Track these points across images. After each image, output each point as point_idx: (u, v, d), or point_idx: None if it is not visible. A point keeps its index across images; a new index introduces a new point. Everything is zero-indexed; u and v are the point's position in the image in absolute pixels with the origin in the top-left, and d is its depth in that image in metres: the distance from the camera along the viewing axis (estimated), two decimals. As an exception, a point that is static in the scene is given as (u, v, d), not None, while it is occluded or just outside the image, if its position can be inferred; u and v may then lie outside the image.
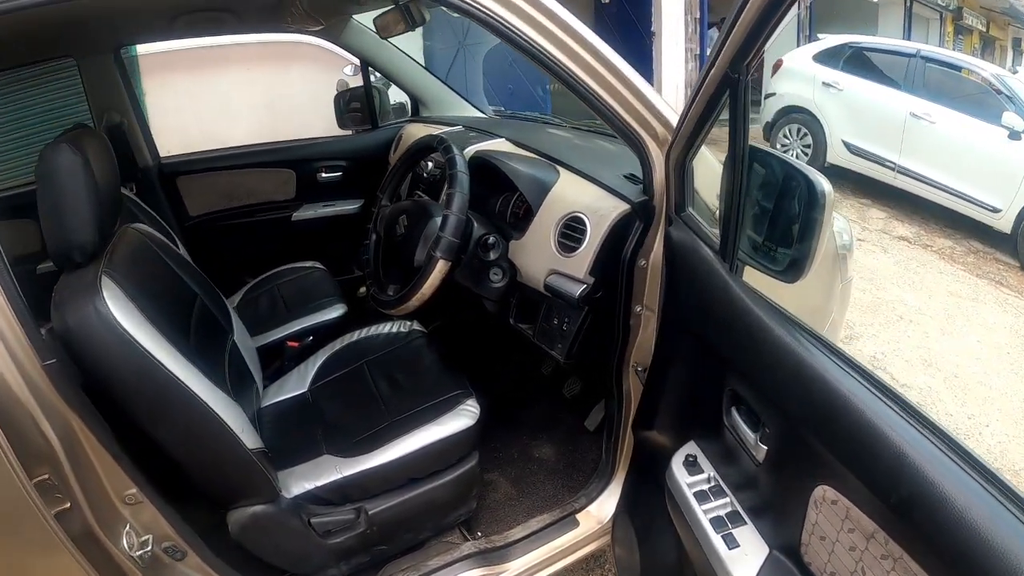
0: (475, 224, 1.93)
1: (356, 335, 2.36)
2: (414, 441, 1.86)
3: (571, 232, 1.80)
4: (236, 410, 1.70)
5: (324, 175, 3.32)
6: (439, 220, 1.85)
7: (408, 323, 2.35)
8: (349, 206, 3.40)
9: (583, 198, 1.82)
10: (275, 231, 3.35)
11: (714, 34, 11.57)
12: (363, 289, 2.73)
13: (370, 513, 1.85)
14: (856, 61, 7.93)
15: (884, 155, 7.40)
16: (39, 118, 3.23)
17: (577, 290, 1.76)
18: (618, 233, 1.70)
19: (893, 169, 7.32)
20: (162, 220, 2.72)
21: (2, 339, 1.22)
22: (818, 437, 1.09)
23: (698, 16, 9.70)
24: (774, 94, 8.50)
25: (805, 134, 8.18)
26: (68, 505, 1.34)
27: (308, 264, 3.03)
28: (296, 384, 2.23)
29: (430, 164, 2.54)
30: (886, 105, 7.45)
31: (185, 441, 1.57)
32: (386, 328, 2.35)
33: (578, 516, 2.09)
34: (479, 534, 2.13)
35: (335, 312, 2.65)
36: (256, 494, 1.72)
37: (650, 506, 1.79)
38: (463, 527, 2.15)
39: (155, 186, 3.09)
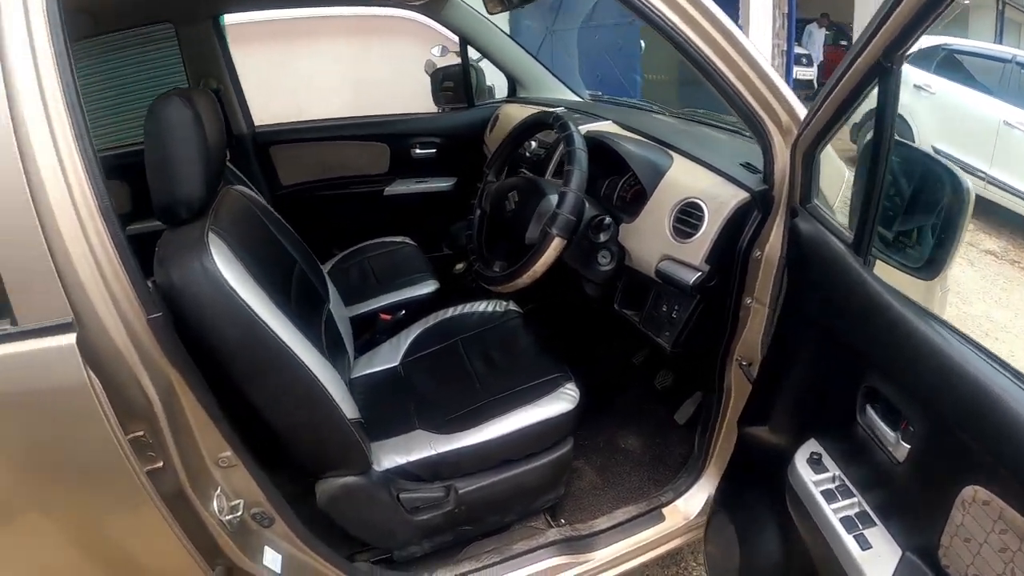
0: (587, 204, 1.88)
1: (450, 312, 2.33)
2: (513, 422, 1.83)
3: (687, 218, 1.74)
4: (336, 378, 1.69)
5: (418, 151, 3.31)
6: (553, 197, 1.81)
7: (504, 303, 2.33)
8: (442, 183, 3.39)
9: (699, 184, 1.76)
10: (367, 204, 3.36)
11: (813, 30, 11.38)
12: (460, 265, 2.71)
13: (460, 492, 1.83)
14: (949, 64, 7.54)
15: (974, 164, 7.03)
16: (136, 84, 3.25)
17: (691, 277, 1.70)
18: (736, 222, 1.64)
19: (983, 179, 7.00)
20: (255, 189, 2.73)
21: (109, 290, 1.20)
22: (972, 436, 1.03)
23: (786, 11, 9.44)
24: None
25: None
26: (161, 464, 1.33)
27: (399, 239, 3.02)
28: (388, 357, 2.21)
29: (534, 143, 2.50)
30: (979, 112, 7.08)
31: (284, 405, 1.56)
32: (480, 306, 2.33)
33: (664, 511, 2.04)
34: (563, 521, 2.09)
35: (427, 288, 2.64)
36: (349, 465, 1.71)
37: (755, 505, 1.74)
38: (548, 513, 2.12)
39: (249, 154, 3.13)
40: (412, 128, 3.32)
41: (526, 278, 1.80)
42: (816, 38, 11.76)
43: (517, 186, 1.95)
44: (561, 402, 1.88)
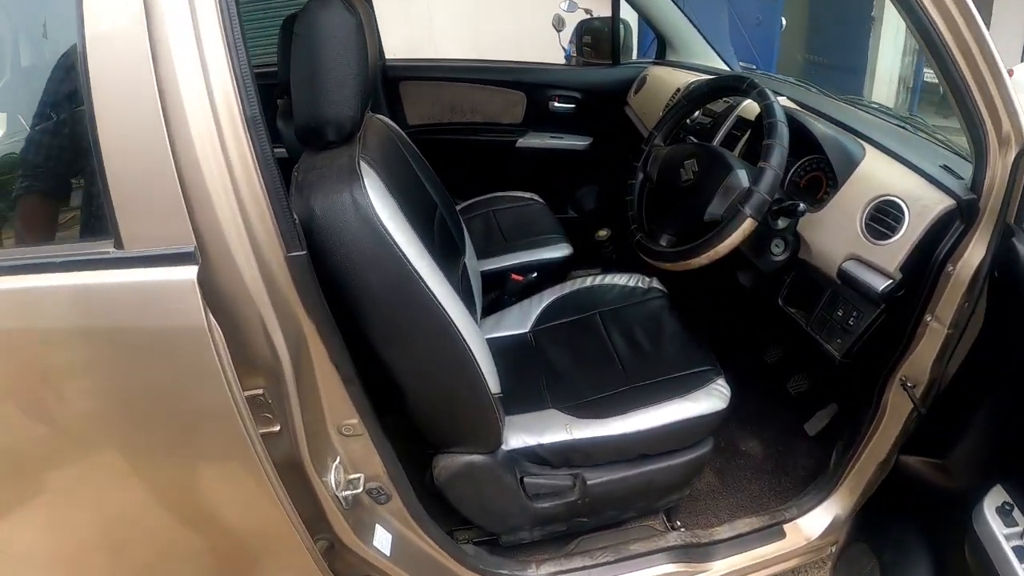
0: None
1: (588, 281, 2.17)
2: (661, 415, 1.67)
3: (883, 217, 1.57)
4: (485, 346, 1.56)
5: (557, 104, 3.11)
6: (742, 173, 1.63)
7: (648, 279, 2.15)
8: (578, 141, 3.19)
9: (900, 182, 1.59)
10: (496, 154, 3.19)
11: None
12: (604, 232, 2.53)
13: (588, 483, 1.71)
14: None
15: None
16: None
17: (881, 284, 1.55)
18: (937, 230, 1.48)
19: None
20: None
21: (244, 217, 1.04)
22: None
23: (924, 5, 8.96)
24: None
25: (1023, 155, 7.36)
26: (277, 428, 1.19)
27: (527, 195, 2.85)
28: (518, 322, 2.07)
29: (698, 111, 2.30)
30: None
31: (428, 371, 1.43)
32: (621, 280, 2.16)
33: (786, 527, 1.91)
34: (679, 524, 1.96)
35: (561, 251, 2.47)
36: (479, 443, 1.60)
37: (909, 543, 1.62)
38: (665, 513, 1.99)
39: (377, 88, 2.99)
40: (552, 79, 3.12)
41: (704, 258, 1.62)
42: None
43: (697, 154, 1.76)
44: (713, 399, 1.72)
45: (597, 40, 3.14)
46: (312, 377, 1.23)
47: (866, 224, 1.60)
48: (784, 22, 6.57)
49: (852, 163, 1.71)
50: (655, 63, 3.07)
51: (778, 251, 1.75)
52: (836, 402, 2.19)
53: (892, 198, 1.57)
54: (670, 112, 1.96)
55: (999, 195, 1.38)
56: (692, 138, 2.05)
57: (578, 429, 1.66)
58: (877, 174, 1.66)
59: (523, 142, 3.16)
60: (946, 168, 1.58)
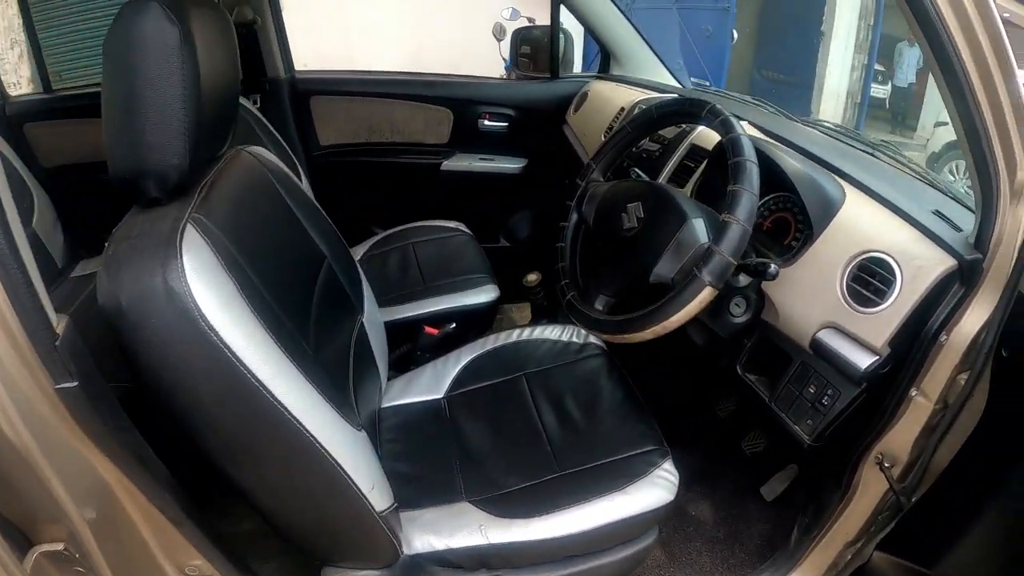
0: None
1: (514, 335, 1.84)
2: (594, 514, 1.36)
3: (868, 278, 1.32)
4: (366, 451, 1.25)
5: (487, 123, 2.79)
6: (699, 224, 1.34)
7: (584, 332, 1.83)
8: (511, 164, 2.88)
9: (889, 235, 1.34)
10: (418, 178, 2.86)
11: (904, 48, 10.76)
12: (533, 277, 2.20)
13: None
14: None
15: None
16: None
17: (865, 362, 1.29)
18: (933, 296, 1.26)
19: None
20: (286, 145, 2.30)
21: None
22: None
23: (872, 24, 9.07)
24: (947, 124, 7.68)
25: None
26: None
27: (451, 224, 2.53)
28: (430, 385, 1.75)
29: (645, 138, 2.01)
30: None
31: (287, 494, 1.14)
32: (553, 333, 1.83)
33: None
34: None
35: (485, 295, 2.13)
36: (372, 559, 1.33)
37: None
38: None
39: (284, 103, 2.66)
40: (482, 95, 2.80)
41: (648, 333, 1.31)
42: (907, 57, 11.05)
43: (643, 196, 1.45)
44: (657, 490, 1.41)
45: (535, 51, 2.84)
46: (130, 523, 0.98)
47: (848, 286, 1.34)
48: (735, 35, 6.41)
49: (830, 209, 1.44)
50: (597, 77, 2.78)
51: (738, 312, 1.46)
52: (796, 463, 1.96)
53: (880, 255, 1.32)
54: (611, 140, 1.64)
55: (1007, 254, 1.18)
56: (637, 170, 1.74)
57: (495, 531, 1.34)
58: (861, 223, 1.40)
59: (449, 164, 2.83)
60: (939, 215, 1.36)
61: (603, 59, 2.81)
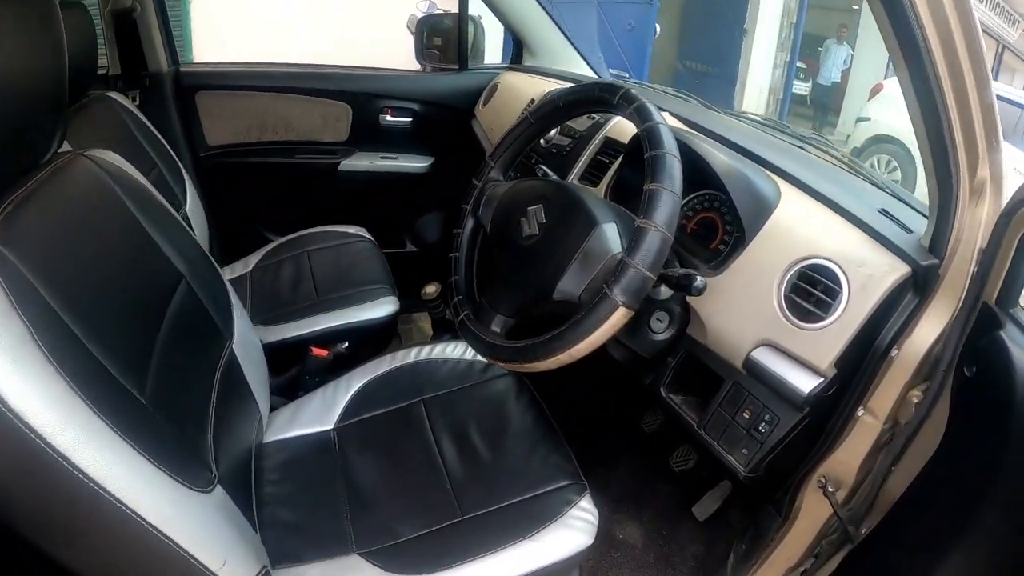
0: None
1: (412, 354, 1.62)
2: (499, 568, 1.17)
3: (810, 288, 1.15)
4: (218, 519, 1.00)
5: (389, 118, 2.56)
6: (610, 229, 1.12)
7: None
8: (416, 163, 2.66)
9: (832, 238, 1.18)
10: (315, 180, 2.62)
11: (831, 45, 10.86)
12: (432, 289, 1.98)
13: None
14: None
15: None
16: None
17: (808, 385, 1.12)
18: (885, 307, 1.11)
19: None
20: (169, 147, 2.05)
21: None
22: None
23: (795, 22, 9.16)
24: (868, 119, 7.96)
25: (895, 168, 7.61)
26: None
27: (352, 230, 2.30)
28: (319, 414, 1.51)
29: (553, 130, 1.81)
30: None
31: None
32: (456, 350, 1.63)
33: None
34: None
35: (383, 309, 1.89)
36: None
37: None
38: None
39: (167, 100, 2.39)
40: (384, 88, 2.58)
41: (552, 363, 1.09)
42: (833, 55, 11.16)
43: (546, 197, 1.24)
44: (573, 533, 1.23)
45: (445, 42, 2.64)
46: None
47: (786, 298, 1.17)
48: (658, 29, 6.31)
49: (764, 209, 1.27)
50: (509, 68, 2.60)
51: (660, 328, 1.27)
52: (730, 480, 1.82)
53: (823, 262, 1.16)
54: (512, 133, 1.41)
55: (965, 258, 1.07)
56: (545, 168, 1.54)
57: (389, 590, 1.14)
58: (799, 225, 1.23)
59: (348, 164, 2.59)
60: (886, 215, 1.23)
61: (515, 49, 2.63)
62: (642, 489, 1.99)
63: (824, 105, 11.24)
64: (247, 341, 1.43)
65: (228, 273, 2.12)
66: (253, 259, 2.18)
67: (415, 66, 2.76)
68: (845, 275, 1.12)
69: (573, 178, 1.68)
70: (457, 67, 2.61)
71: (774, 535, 1.39)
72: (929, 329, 1.09)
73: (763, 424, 1.20)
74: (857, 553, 1.26)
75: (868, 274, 1.10)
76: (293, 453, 1.43)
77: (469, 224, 1.38)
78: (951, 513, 1.03)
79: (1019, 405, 0.91)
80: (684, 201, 1.40)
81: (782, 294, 1.17)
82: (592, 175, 1.66)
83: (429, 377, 1.56)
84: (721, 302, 1.24)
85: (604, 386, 2.14)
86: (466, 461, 1.37)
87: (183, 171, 2.09)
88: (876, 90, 8.05)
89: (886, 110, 7.74)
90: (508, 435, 1.42)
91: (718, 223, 1.37)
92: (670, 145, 1.06)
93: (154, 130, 2.04)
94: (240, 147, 2.53)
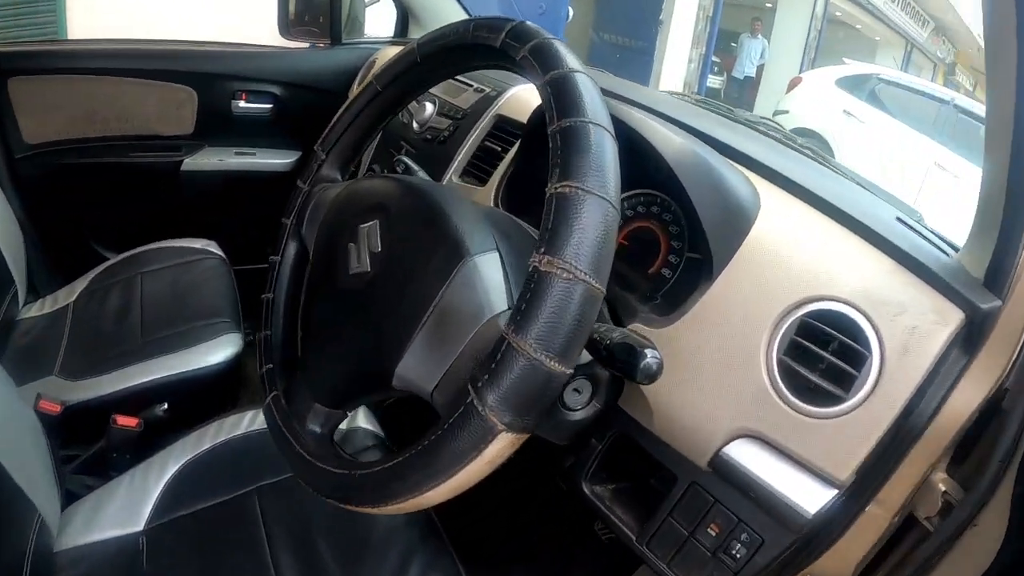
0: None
1: (245, 421, 1.21)
2: None
3: (818, 349, 0.77)
4: None
5: (244, 105, 2.12)
6: (492, 266, 0.69)
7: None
8: (276, 159, 2.22)
9: (846, 270, 0.80)
10: (155, 183, 2.15)
11: (745, 40, 10.90)
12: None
13: None
14: (884, 96, 7.46)
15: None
16: None
17: (816, 503, 0.75)
18: (931, 374, 0.75)
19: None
20: None
21: None
22: None
23: (711, 15, 9.14)
24: (787, 112, 7.86)
25: (812, 161, 7.58)
26: None
27: (198, 244, 1.87)
28: (125, 510, 1.11)
29: (429, 106, 1.43)
30: (911, 149, 6.91)
31: None
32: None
33: None
34: None
35: (222, 351, 1.44)
36: None
37: None
38: None
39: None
40: (238, 68, 2.13)
41: (392, 508, 0.62)
42: (747, 49, 11.18)
43: (385, 207, 0.80)
44: None
45: (316, 12, 2.21)
46: None
47: (780, 364, 0.78)
48: (571, 13, 6.02)
49: (741, 222, 0.86)
50: (391, 42, 2.22)
51: (578, 402, 0.81)
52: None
53: (838, 307, 0.78)
54: (351, 108, 0.96)
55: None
56: (407, 161, 1.12)
57: None
58: (794, 249, 0.83)
59: (192, 163, 2.13)
60: (906, 226, 0.89)
61: (400, 20, 2.26)
62: (564, 561, 1.61)
63: (738, 99, 11.25)
64: (12, 411, 1.05)
65: (48, 305, 1.70)
66: (80, 285, 1.74)
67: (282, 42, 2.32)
68: (874, 328, 0.75)
69: (451, 175, 1.28)
70: (329, 42, 2.21)
71: None
72: (971, 391, 0.75)
73: (738, 546, 0.81)
74: None
75: (911, 326, 0.74)
76: (92, 566, 1.03)
77: (291, 249, 0.94)
78: None
79: None
80: (648, 218, 1.01)
81: (773, 358, 0.78)
82: (478, 170, 1.26)
83: (270, 455, 1.13)
84: (673, 369, 0.84)
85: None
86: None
87: None
88: (795, 83, 8.00)
89: (805, 103, 7.70)
90: (372, 544, 1.02)
91: (659, 237, 0.97)
92: (595, 111, 0.62)
93: None
94: (65, 144, 2.07)
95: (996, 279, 0.76)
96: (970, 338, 0.74)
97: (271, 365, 0.86)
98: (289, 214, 0.94)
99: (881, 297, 0.76)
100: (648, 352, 0.61)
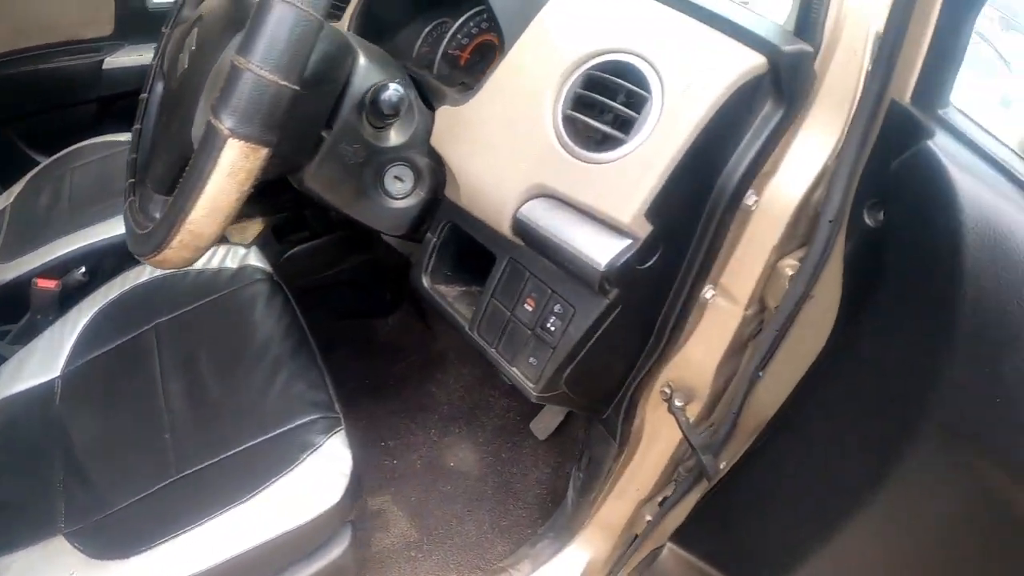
0: (357, 53, 0.85)
1: (146, 270, 1.31)
2: (212, 542, 0.90)
3: (604, 100, 0.78)
4: None
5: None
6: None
7: (244, 250, 1.33)
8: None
9: (638, 28, 0.80)
10: (80, 85, 2.18)
11: None
12: None
13: None
14: None
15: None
16: None
17: (607, 252, 0.76)
18: (726, 122, 0.74)
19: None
20: None
21: None
22: None
23: None
24: None
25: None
26: None
27: (123, 138, 1.89)
28: (44, 360, 1.21)
29: None
30: None
31: None
32: (202, 259, 1.31)
33: None
34: None
35: (134, 220, 1.54)
36: None
37: None
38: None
39: None
40: None
41: (175, 247, 0.70)
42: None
43: (203, 15, 0.86)
44: (313, 483, 0.96)
45: None
46: None
47: (566, 118, 0.80)
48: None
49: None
50: None
51: (401, 190, 0.92)
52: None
53: (624, 58, 0.78)
54: None
55: (851, 47, 0.74)
56: None
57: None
58: (585, 16, 0.85)
59: (112, 61, 2.15)
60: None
61: None
62: (474, 404, 1.72)
63: None
64: None
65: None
66: (17, 188, 1.82)
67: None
68: (658, 74, 0.76)
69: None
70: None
71: (611, 464, 1.11)
72: (805, 160, 0.77)
73: (552, 318, 0.85)
74: (715, 499, 0.98)
75: (698, 68, 0.74)
76: (13, 414, 1.14)
77: (158, 88, 0.99)
78: (852, 440, 0.76)
79: (968, 258, 0.60)
80: (457, 24, 1.07)
81: (559, 113, 0.80)
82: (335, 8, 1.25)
83: (168, 294, 1.26)
84: (472, 140, 0.88)
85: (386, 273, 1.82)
86: (192, 401, 1.08)
87: None
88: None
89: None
90: (245, 361, 1.12)
91: (497, 46, 1.03)
92: None
93: None
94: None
95: (806, 25, 0.75)
96: (781, 90, 0.75)
97: (132, 180, 0.94)
98: (156, 53, 1.01)
99: (671, 46, 0.76)
100: (390, 85, 0.71)
